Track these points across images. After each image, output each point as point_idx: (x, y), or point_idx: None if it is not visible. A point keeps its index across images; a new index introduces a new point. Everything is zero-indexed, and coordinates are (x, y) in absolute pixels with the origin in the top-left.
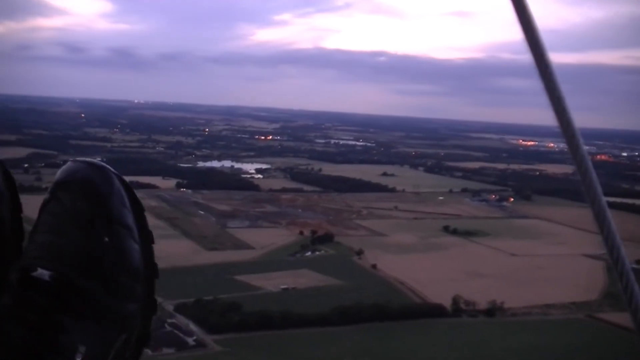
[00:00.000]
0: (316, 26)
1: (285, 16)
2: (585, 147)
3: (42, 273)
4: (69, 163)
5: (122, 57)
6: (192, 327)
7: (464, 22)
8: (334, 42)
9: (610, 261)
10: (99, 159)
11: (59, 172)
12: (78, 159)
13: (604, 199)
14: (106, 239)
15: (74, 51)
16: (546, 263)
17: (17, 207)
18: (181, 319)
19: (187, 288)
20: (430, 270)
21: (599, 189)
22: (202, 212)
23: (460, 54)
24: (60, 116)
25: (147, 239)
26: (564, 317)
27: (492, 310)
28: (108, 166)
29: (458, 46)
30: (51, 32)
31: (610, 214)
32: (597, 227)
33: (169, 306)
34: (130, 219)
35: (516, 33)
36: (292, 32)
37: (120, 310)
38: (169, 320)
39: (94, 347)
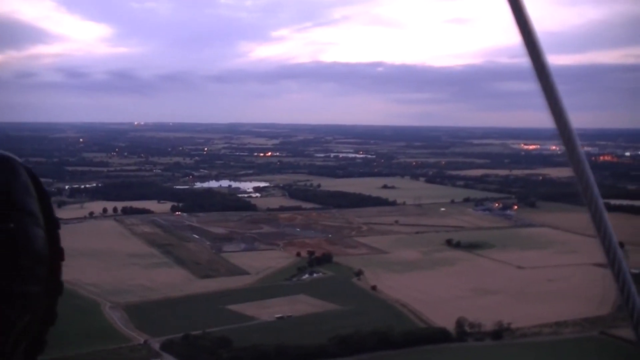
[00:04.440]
0: (314, 40)
1: (284, 32)
2: (583, 149)
3: None
4: None
5: (122, 80)
6: None
7: (461, 29)
8: (332, 55)
9: (607, 262)
10: (95, 184)
11: None
12: None
13: (601, 200)
14: (11, 225)
15: (74, 76)
16: (555, 275)
17: None
18: (168, 358)
19: (176, 322)
20: (434, 288)
21: (596, 190)
22: (196, 237)
23: (458, 60)
24: (59, 142)
25: (52, 225)
26: (576, 335)
27: (499, 332)
28: (13, 156)
29: (456, 53)
30: (51, 59)
31: (607, 215)
32: (594, 228)
33: (155, 344)
34: (35, 207)
35: (512, 37)
36: (291, 47)
37: (22, 292)
38: None
39: None
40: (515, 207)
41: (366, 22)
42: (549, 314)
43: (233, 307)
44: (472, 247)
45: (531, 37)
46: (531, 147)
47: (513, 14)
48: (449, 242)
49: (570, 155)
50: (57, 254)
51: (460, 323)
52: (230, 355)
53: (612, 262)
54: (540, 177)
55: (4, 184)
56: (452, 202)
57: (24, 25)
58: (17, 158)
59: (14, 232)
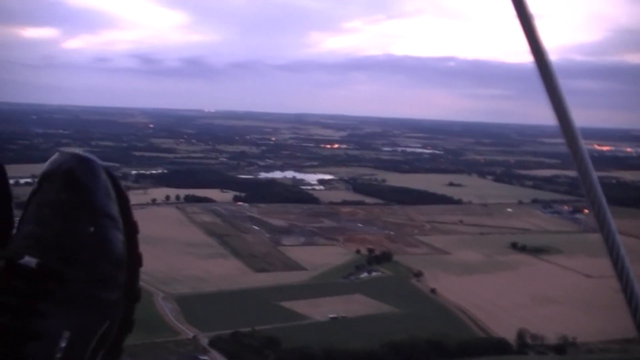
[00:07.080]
0: (386, 32)
1: (356, 23)
2: (586, 147)
3: (29, 261)
4: (56, 154)
5: (194, 67)
6: None
7: (536, 25)
8: (403, 48)
9: (610, 261)
10: (161, 170)
11: (46, 164)
12: (65, 150)
13: (604, 199)
14: (91, 229)
15: (148, 62)
16: None
17: (8, 197)
18: (215, 356)
19: (227, 316)
20: (496, 294)
21: (599, 189)
22: (256, 228)
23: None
24: (129, 127)
25: (132, 229)
26: None
27: (563, 347)
28: (94, 157)
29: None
30: (126, 45)
31: (610, 214)
32: (597, 227)
33: (204, 339)
34: (114, 210)
35: (588, 34)
36: (362, 38)
37: (103, 297)
38: (202, 358)
39: (77, 333)
40: (586, 210)
41: (438, 15)
42: (618, 329)
43: (286, 304)
44: (538, 251)
45: (533, 34)
46: (605, 148)
47: (516, 10)
48: (514, 245)
49: (574, 154)
50: (135, 260)
51: (521, 334)
52: (276, 356)
53: (615, 259)
54: (614, 180)
55: (85, 186)
56: (520, 202)
57: (100, 12)
58: (97, 159)
59: (94, 235)
